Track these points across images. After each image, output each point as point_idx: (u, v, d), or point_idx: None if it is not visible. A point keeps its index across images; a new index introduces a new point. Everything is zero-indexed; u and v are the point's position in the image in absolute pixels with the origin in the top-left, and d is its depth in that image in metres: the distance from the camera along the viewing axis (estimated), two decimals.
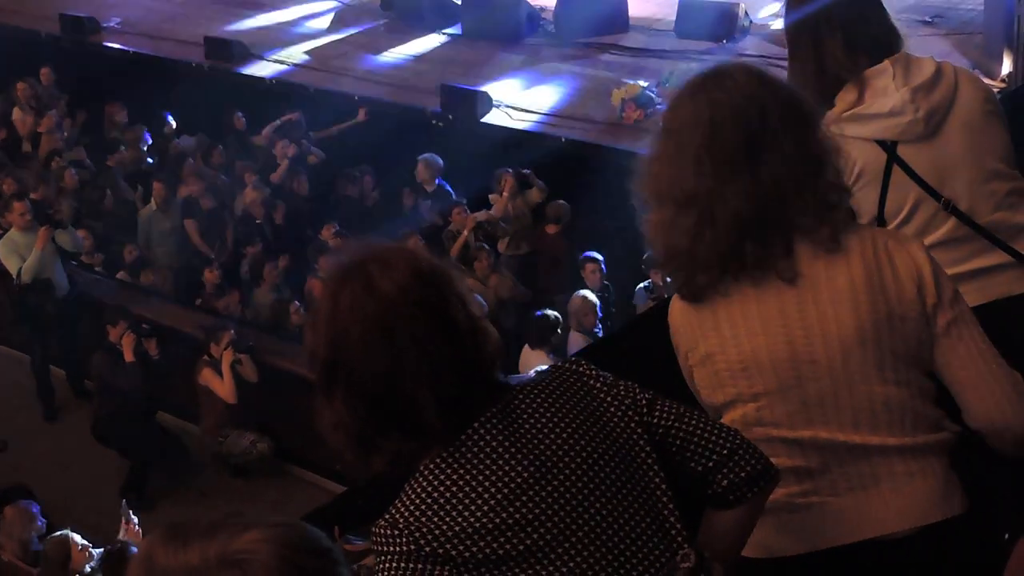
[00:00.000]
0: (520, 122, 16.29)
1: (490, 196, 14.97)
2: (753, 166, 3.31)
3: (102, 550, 9.97)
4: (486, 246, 14.19)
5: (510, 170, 14.85)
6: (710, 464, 3.01)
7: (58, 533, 10.22)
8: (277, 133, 17.23)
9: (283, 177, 16.59)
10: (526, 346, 12.13)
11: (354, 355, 2.78)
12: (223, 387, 12.88)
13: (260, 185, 16.19)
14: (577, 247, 14.17)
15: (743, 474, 3.02)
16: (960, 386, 3.43)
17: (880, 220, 4.30)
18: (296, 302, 14.32)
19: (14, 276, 14.03)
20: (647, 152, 3.51)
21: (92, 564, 9.84)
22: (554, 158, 15.10)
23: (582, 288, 13.06)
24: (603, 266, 13.31)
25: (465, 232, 14.35)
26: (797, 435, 3.37)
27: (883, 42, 4.33)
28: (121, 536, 10.18)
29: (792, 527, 3.19)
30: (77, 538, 10.02)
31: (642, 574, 2.81)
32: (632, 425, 2.93)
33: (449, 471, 2.78)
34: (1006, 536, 3.50)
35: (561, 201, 14.64)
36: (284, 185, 16.51)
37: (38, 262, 13.90)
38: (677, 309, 3.55)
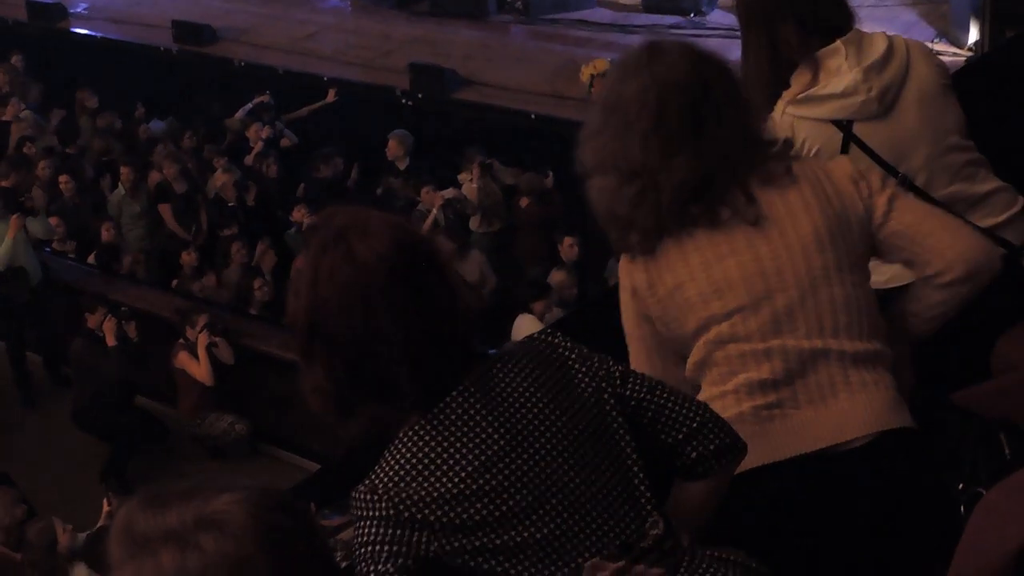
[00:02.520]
0: (490, 99, 16.34)
1: (459, 175, 15.00)
2: (697, 139, 3.49)
3: (86, 534, 10.04)
4: (452, 230, 14.17)
5: (477, 155, 14.92)
6: (680, 436, 3.09)
7: (41, 519, 10.29)
8: (249, 116, 17.23)
9: (255, 159, 16.60)
10: (521, 316, 12.02)
11: (332, 320, 2.83)
12: (200, 369, 12.92)
13: (231, 168, 16.20)
14: (551, 221, 14.24)
15: (711, 447, 3.11)
16: (929, 235, 3.63)
17: None
18: (261, 278, 14.35)
19: None
20: (588, 123, 3.64)
21: (77, 547, 9.91)
22: (524, 134, 15.16)
23: (558, 262, 13.14)
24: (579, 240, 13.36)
25: (434, 211, 14.39)
26: (767, 345, 3.50)
27: (835, 23, 4.38)
28: (103, 520, 10.26)
29: (757, 439, 3.30)
30: (60, 523, 10.09)
31: (613, 540, 2.89)
32: (605, 396, 3.00)
33: (427, 438, 2.84)
34: (960, 486, 3.62)
35: (533, 173, 14.69)
36: (256, 167, 16.52)
37: (10, 250, 13.89)
38: (635, 266, 3.66)
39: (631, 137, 3.52)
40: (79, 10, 21.38)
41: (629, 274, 3.69)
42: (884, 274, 4.41)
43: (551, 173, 14.52)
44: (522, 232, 14.76)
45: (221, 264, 15.10)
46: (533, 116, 15.32)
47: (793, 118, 4.35)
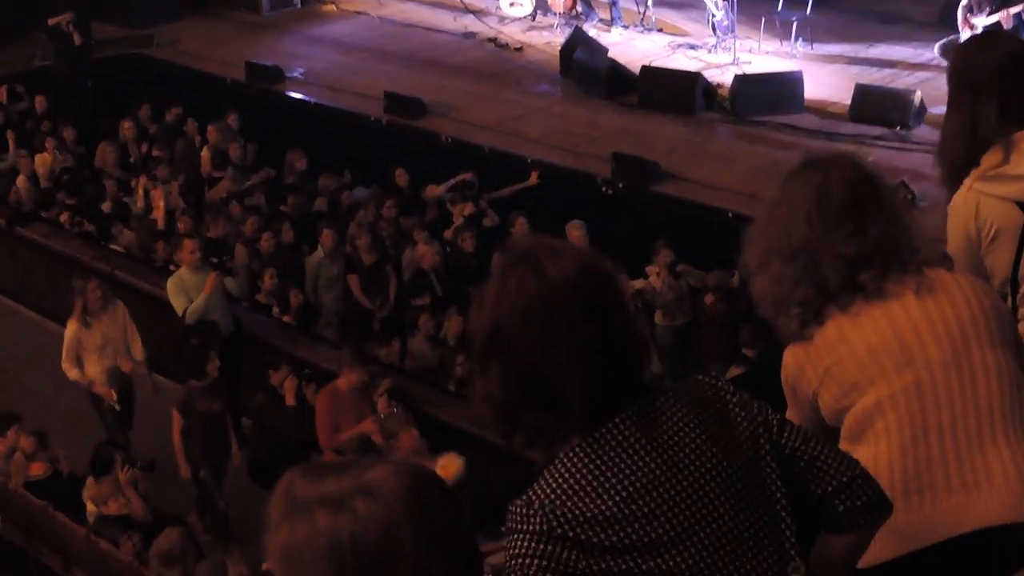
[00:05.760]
0: (688, 194, 16.43)
1: (647, 267, 15.01)
2: (859, 221, 3.63)
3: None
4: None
5: (666, 248, 14.95)
6: (829, 489, 3.18)
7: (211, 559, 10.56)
8: (451, 192, 17.44)
9: (453, 233, 16.75)
10: None
11: (513, 329, 2.95)
12: (380, 437, 12.96)
13: (431, 240, 16.38)
14: (735, 320, 14.18)
15: (859, 502, 3.19)
16: None
17: (1014, 282, 4.44)
18: (462, 355, 14.40)
19: (179, 315, 14.21)
20: (753, 224, 3.84)
21: None
22: (719, 230, 15.16)
23: (741, 357, 13.05)
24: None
25: None
26: (924, 420, 3.58)
27: None
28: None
29: (904, 529, 3.36)
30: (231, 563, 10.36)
31: None
32: (761, 441, 3.10)
33: (587, 459, 2.94)
34: None
35: (721, 271, 14.68)
36: (453, 241, 16.74)
37: (204, 305, 14.06)
38: (791, 354, 3.80)
39: (795, 219, 3.67)
40: (296, 74, 21.98)
41: (791, 371, 3.81)
42: None
43: (737, 272, 14.47)
44: (705, 329, 14.73)
45: (409, 333, 15.29)
46: (730, 214, 15.33)
47: (979, 195, 4.39)
